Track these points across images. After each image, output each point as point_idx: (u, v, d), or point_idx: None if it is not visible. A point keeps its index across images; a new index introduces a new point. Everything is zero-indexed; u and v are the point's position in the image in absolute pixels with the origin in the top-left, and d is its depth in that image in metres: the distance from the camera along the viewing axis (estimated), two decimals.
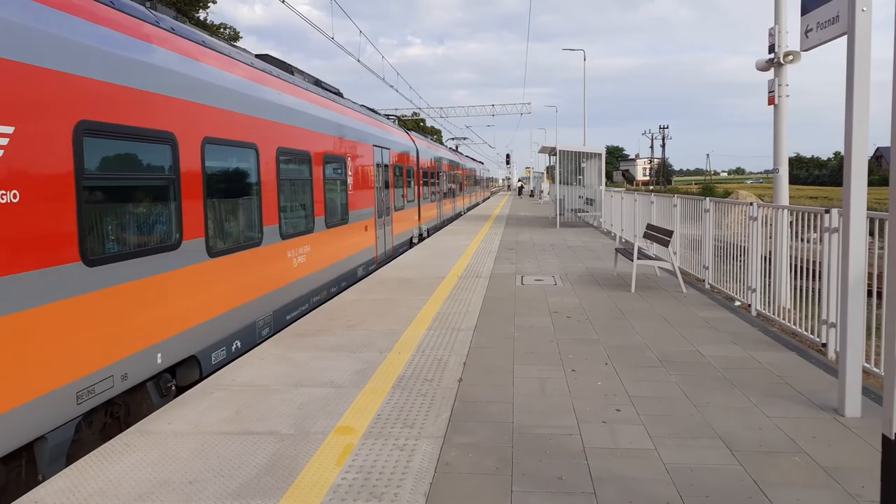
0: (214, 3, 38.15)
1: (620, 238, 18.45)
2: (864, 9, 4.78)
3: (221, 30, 39.07)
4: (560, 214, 24.83)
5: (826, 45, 5.93)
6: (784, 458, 4.34)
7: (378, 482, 4.03)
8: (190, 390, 5.83)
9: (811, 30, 6.07)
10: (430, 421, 5.01)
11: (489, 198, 69.72)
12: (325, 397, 5.55)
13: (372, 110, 17.41)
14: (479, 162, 69.63)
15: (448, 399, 5.48)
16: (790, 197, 10.79)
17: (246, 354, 6.93)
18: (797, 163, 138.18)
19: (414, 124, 56.05)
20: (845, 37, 4.98)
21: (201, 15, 36.76)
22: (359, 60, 23.04)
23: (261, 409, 5.31)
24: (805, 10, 6.18)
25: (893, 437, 2.70)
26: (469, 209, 41.95)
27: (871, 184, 3.85)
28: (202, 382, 6.02)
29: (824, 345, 6.80)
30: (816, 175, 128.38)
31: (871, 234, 5.85)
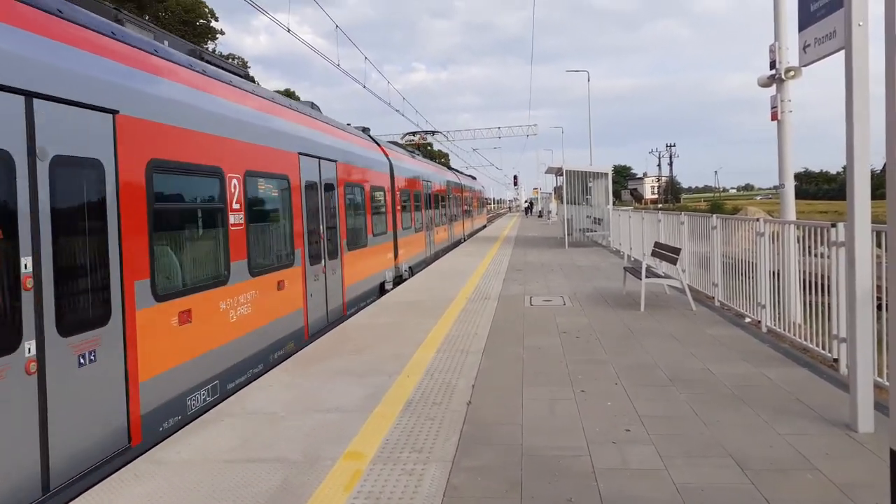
0: (223, 34, 38.91)
1: (629, 257, 18.40)
2: (861, 23, 4.80)
3: (230, 59, 39.74)
4: (568, 234, 24.80)
5: (828, 59, 5.95)
6: (796, 475, 4.29)
7: None
8: (198, 419, 5.83)
9: (809, 45, 6.10)
10: (439, 445, 4.98)
11: (485, 227, 50.07)
12: (333, 423, 5.54)
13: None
14: (469, 175, 50.39)
15: (457, 422, 5.46)
16: (800, 212, 10.76)
17: (253, 382, 6.93)
18: (806, 177, 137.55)
19: (421, 148, 56.12)
20: (843, 52, 5.00)
21: (210, 46, 37.47)
22: (364, 86, 23.36)
23: (269, 436, 5.30)
24: (803, 27, 6.21)
25: None
26: (448, 249, 26.81)
27: (880, 197, 3.84)
28: (211, 411, 6.03)
29: (836, 360, 6.73)
30: (826, 189, 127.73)
31: (879, 245, 5.81)
